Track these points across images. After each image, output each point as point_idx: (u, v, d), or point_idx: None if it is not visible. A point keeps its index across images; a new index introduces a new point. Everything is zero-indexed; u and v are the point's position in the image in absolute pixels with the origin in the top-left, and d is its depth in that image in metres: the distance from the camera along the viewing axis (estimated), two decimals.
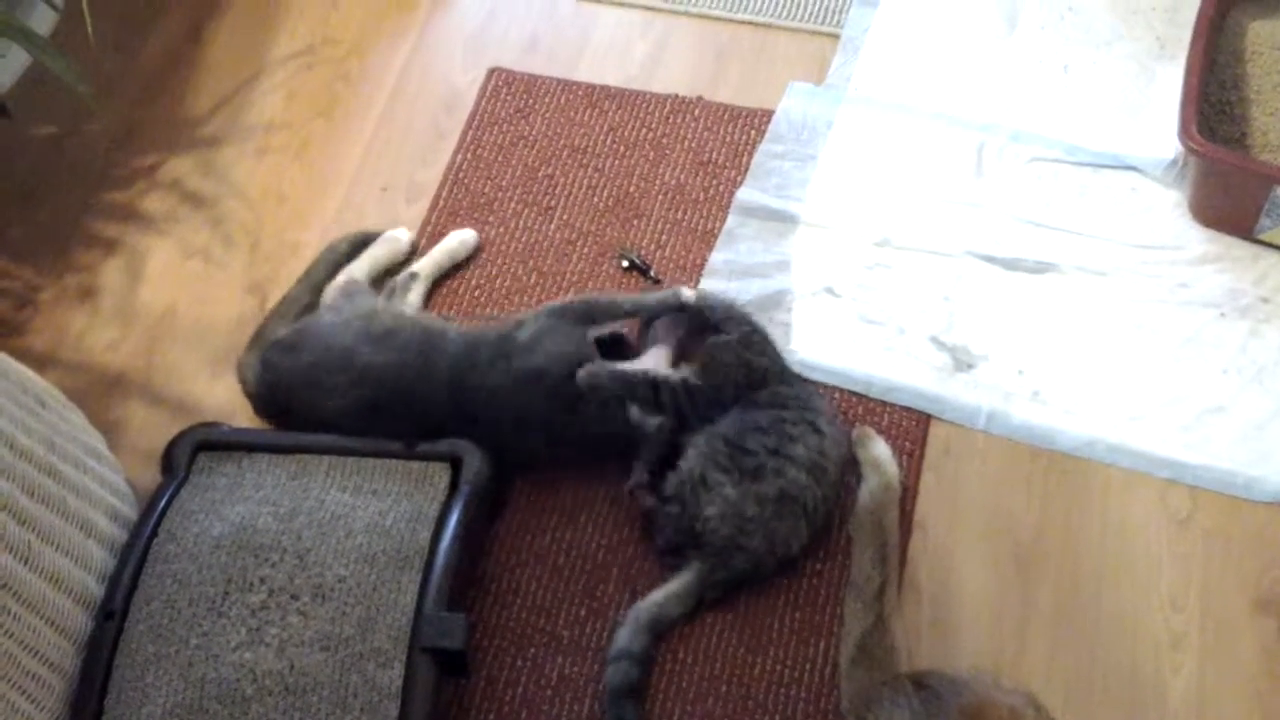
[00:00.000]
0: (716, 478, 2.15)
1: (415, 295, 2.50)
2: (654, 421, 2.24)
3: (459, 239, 2.61)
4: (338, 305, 2.43)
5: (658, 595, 2.17)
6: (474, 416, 2.25)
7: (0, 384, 2.05)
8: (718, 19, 3.00)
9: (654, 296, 2.39)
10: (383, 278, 2.55)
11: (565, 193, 2.72)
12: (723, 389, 2.25)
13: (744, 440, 2.18)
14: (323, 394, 2.27)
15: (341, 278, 2.52)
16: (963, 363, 2.46)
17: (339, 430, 2.25)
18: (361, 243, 2.60)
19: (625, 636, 2.11)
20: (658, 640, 2.14)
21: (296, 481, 2.16)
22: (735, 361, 2.27)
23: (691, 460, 2.19)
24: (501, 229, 2.66)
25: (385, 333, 2.30)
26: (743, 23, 2.99)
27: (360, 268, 2.54)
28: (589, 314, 2.35)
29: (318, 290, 2.53)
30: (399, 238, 2.60)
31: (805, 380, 2.38)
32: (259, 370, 2.36)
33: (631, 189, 2.71)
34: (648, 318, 2.38)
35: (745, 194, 2.69)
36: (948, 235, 2.62)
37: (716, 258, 2.60)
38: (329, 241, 2.61)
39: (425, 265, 2.56)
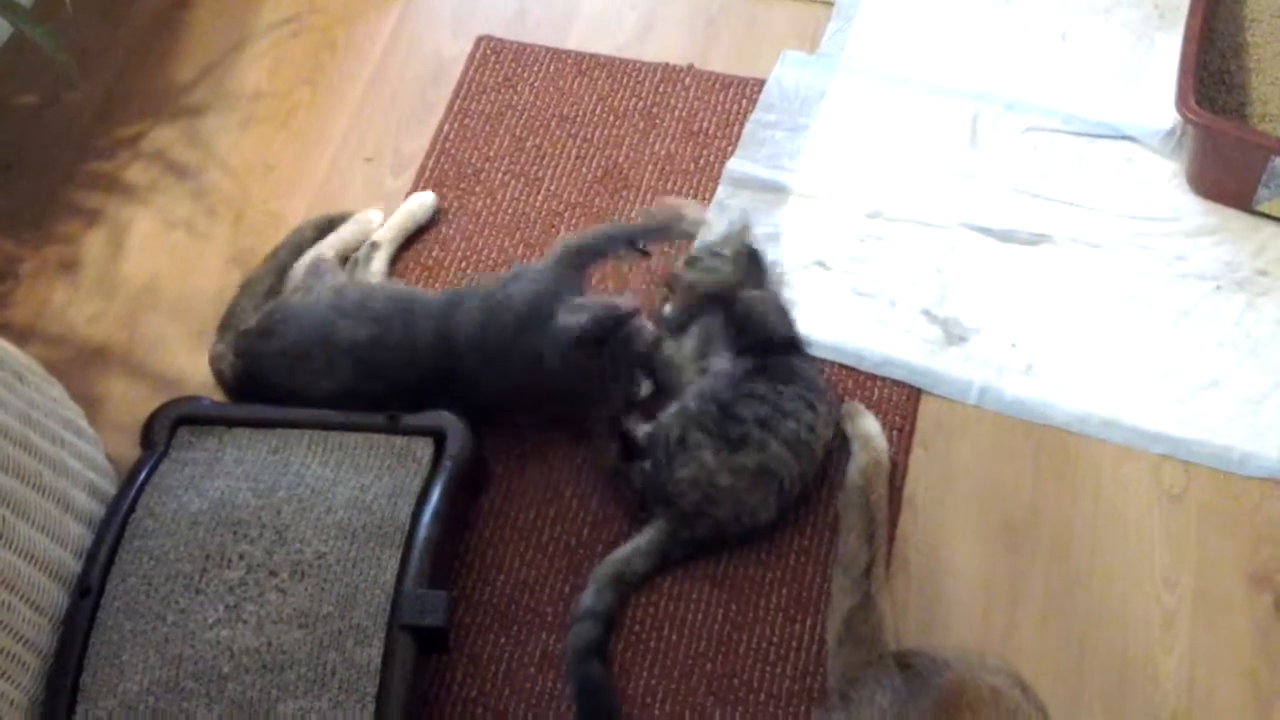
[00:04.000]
0: (697, 438, 2.13)
1: (379, 264, 2.47)
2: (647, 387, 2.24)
3: (417, 201, 2.58)
4: (307, 284, 2.39)
5: (622, 551, 2.15)
6: (454, 370, 2.23)
7: None
8: None
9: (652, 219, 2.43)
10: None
11: (554, 163, 2.68)
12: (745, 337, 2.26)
13: (737, 406, 2.16)
14: (308, 374, 2.23)
15: (308, 256, 2.48)
16: (955, 336, 2.43)
17: (327, 406, 2.22)
18: (328, 226, 2.57)
19: (590, 595, 2.10)
20: (623, 599, 2.13)
21: (277, 456, 2.13)
22: (763, 321, 2.28)
23: (672, 418, 2.17)
24: (489, 199, 2.62)
25: (357, 304, 2.26)
26: None
27: (328, 245, 2.51)
28: (580, 257, 2.32)
29: (282, 273, 2.49)
30: (370, 219, 2.56)
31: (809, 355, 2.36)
32: (233, 360, 2.31)
33: (621, 159, 2.68)
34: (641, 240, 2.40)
35: (736, 164, 2.65)
36: (941, 206, 2.59)
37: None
38: (313, 214, 2.59)
39: (386, 233, 2.53)
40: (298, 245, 2.53)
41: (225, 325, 2.40)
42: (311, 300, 2.31)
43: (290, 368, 2.25)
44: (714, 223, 2.42)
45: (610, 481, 2.25)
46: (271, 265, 2.49)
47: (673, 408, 2.20)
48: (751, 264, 2.31)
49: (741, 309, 2.26)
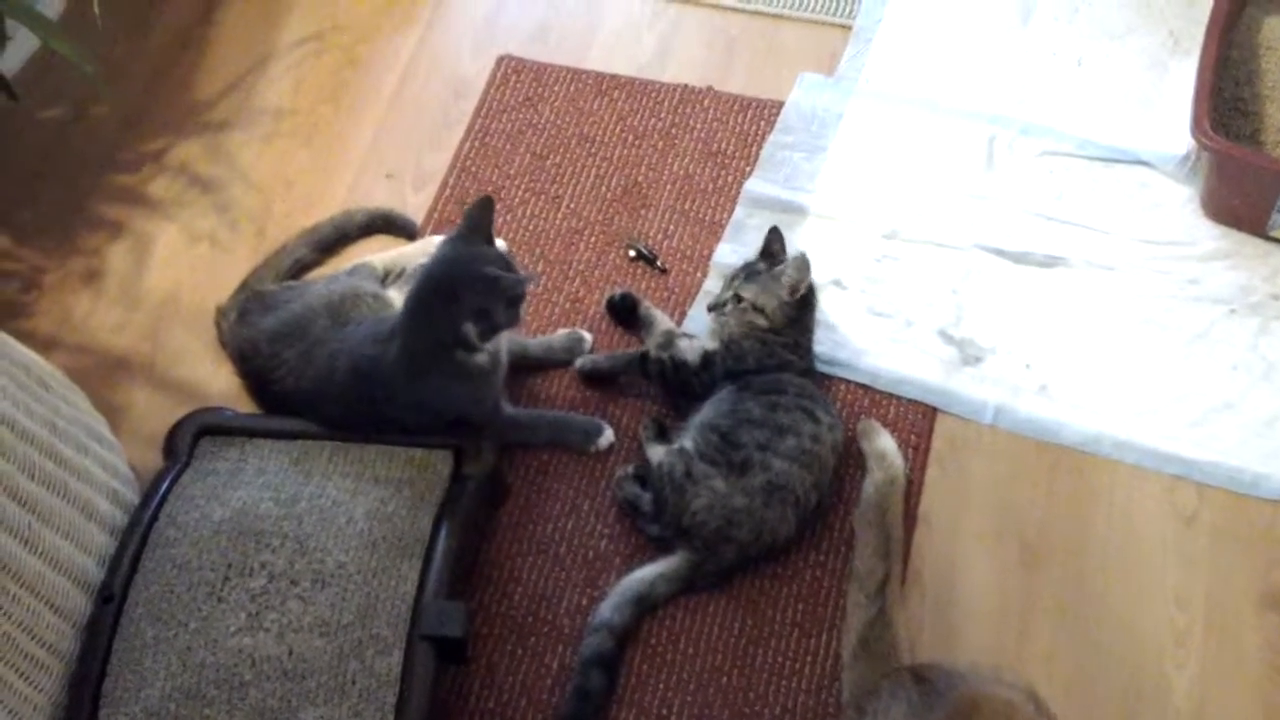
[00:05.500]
0: (704, 469, 2.15)
1: None
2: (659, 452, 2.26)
3: None
4: (335, 276, 2.44)
5: (647, 572, 2.16)
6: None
7: (3, 365, 2.04)
8: (729, 9, 2.99)
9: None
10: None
11: (573, 181, 2.71)
12: (746, 358, 2.29)
13: (736, 433, 2.18)
14: (278, 363, 2.27)
15: (356, 260, 2.51)
16: (970, 356, 2.44)
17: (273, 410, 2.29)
18: (381, 218, 2.61)
19: (608, 608, 2.12)
20: (640, 616, 2.14)
21: (298, 467, 2.15)
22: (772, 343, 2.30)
23: (674, 456, 2.19)
24: (508, 217, 2.65)
25: (358, 318, 2.29)
26: (754, 13, 2.98)
27: (380, 257, 2.52)
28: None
29: (317, 249, 2.54)
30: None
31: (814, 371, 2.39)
32: (234, 319, 2.38)
33: (640, 178, 2.70)
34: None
35: (754, 185, 2.68)
36: (957, 228, 2.61)
37: (724, 248, 2.59)
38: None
39: None
40: (342, 226, 2.59)
41: (243, 283, 2.46)
42: (324, 292, 2.34)
43: (271, 352, 2.28)
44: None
45: (623, 511, 2.27)
46: (308, 239, 2.55)
47: (674, 445, 2.23)
48: (802, 309, 2.33)
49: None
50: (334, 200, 2.71)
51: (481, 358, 2.16)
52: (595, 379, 2.42)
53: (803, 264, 2.31)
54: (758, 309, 2.30)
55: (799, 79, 2.84)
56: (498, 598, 2.20)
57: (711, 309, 2.36)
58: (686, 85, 2.85)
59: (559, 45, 2.96)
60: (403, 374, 2.15)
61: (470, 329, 2.11)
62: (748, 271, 2.36)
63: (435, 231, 2.61)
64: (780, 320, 2.31)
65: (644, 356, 2.36)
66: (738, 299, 2.31)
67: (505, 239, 2.60)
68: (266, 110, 2.87)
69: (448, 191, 2.69)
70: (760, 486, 2.14)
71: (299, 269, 2.52)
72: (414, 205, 2.68)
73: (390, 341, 2.17)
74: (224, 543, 2.03)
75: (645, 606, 2.15)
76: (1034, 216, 2.62)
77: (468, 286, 2.10)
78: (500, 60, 2.91)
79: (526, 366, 2.41)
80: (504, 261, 2.16)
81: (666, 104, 2.82)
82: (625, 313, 2.48)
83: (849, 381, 2.42)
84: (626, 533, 2.25)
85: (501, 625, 2.17)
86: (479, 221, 2.16)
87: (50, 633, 1.91)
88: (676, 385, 2.33)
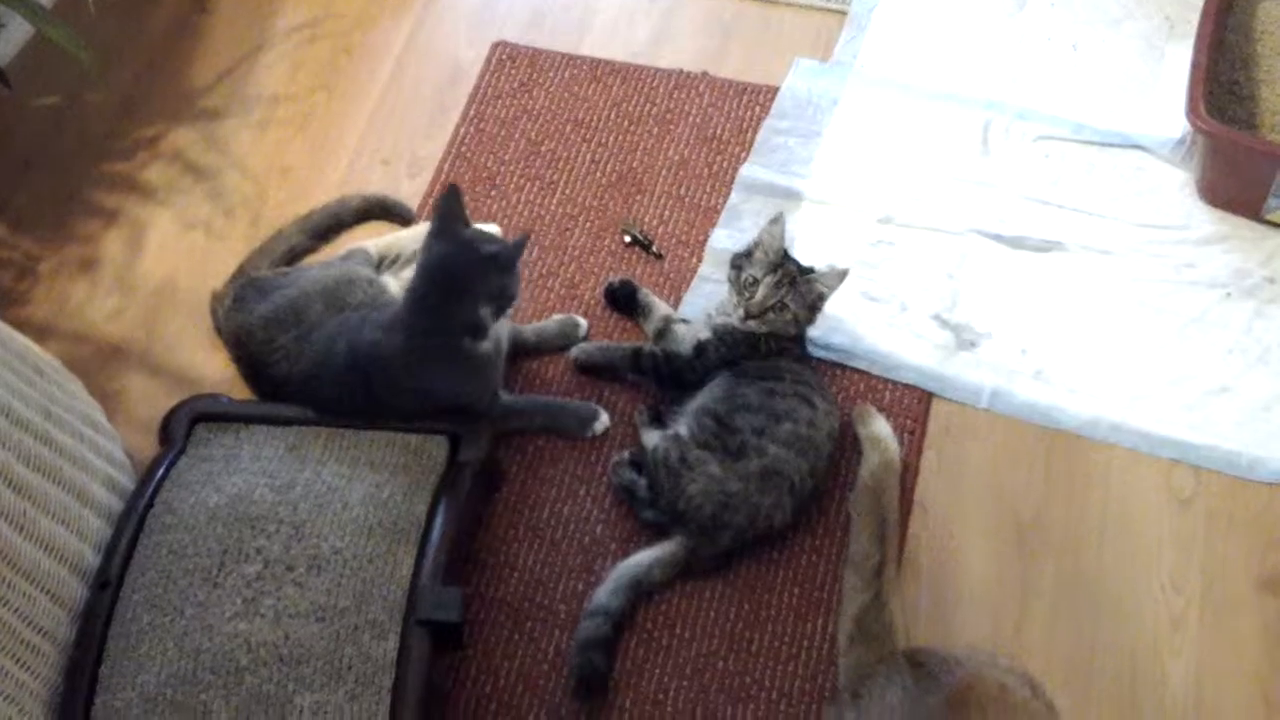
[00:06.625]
0: (699, 455, 2.15)
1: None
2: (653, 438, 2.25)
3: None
4: (330, 261, 2.44)
5: (643, 557, 2.16)
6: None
7: None
8: None
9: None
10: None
11: (568, 167, 2.70)
12: (740, 345, 2.28)
13: (732, 418, 2.18)
14: (274, 349, 2.27)
15: (352, 245, 2.51)
16: (966, 341, 2.44)
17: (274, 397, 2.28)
18: (376, 204, 2.61)
19: (604, 594, 2.12)
20: (636, 602, 2.14)
21: (294, 453, 2.15)
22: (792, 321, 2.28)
23: (669, 442, 2.19)
24: (504, 203, 2.64)
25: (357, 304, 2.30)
26: None
27: (374, 242, 2.52)
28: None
29: (312, 235, 2.54)
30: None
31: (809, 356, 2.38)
32: (229, 305, 2.37)
33: (635, 164, 2.70)
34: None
35: (749, 170, 2.68)
36: (952, 213, 2.61)
37: (719, 234, 2.58)
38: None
39: None
40: (336, 213, 2.58)
41: (238, 271, 2.46)
42: (318, 277, 2.34)
43: (265, 338, 2.28)
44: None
45: (619, 496, 2.27)
46: (302, 225, 2.55)
47: (669, 431, 2.23)
48: (811, 311, 2.31)
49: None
50: (329, 187, 2.70)
51: (486, 345, 2.17)
52: (589, 369, 2.42)
53: (842, 276, 2.29)
54: (796, 318, 2.28)
55: (794, 64, 2.84)
56: (494, 583, 2.20)
57: (751, 317, 2.26)
58: (682, 71, 2.84)
59: (554, 31, 2.95)
60: (405, 363, 2.15)
61: (486, 313, 2.11)
62: (785, 275, 2.26)
63: (431, 217, 2.61)
64: (805, 321, 2.31)
65: (637, 353, 2.36)
66: (782, 307, 2.26)
67: (500, 224, 2.60)
68: (261, 97, 2.87)
69: (443, 177, 2.69)
70: (756, 472, 2.14)
71: (294, 255, 2.52)
72: (409, 191, 2.68)
73: (392, 330, 2.17)
74: (220, 529, 2.03)
75: (641, 591, 2.15)
76: (1030, 201, 2.62)
77: (476, 271, 2.11)
78: (495, 46, 2.91)
79: (522, 352, 2.41)
80: (493, 239, 2.18)
81: (661, 90, 2.81)
82: (624, 300, 2.47)
83: (844, 366, 2.42)
84: (623, 518, 2.25)
85: (498, 610, 2.17)
86: (454, 210, 2.17)
87: (46, 619, 1.90)
88: (671, 377, 2.33)
